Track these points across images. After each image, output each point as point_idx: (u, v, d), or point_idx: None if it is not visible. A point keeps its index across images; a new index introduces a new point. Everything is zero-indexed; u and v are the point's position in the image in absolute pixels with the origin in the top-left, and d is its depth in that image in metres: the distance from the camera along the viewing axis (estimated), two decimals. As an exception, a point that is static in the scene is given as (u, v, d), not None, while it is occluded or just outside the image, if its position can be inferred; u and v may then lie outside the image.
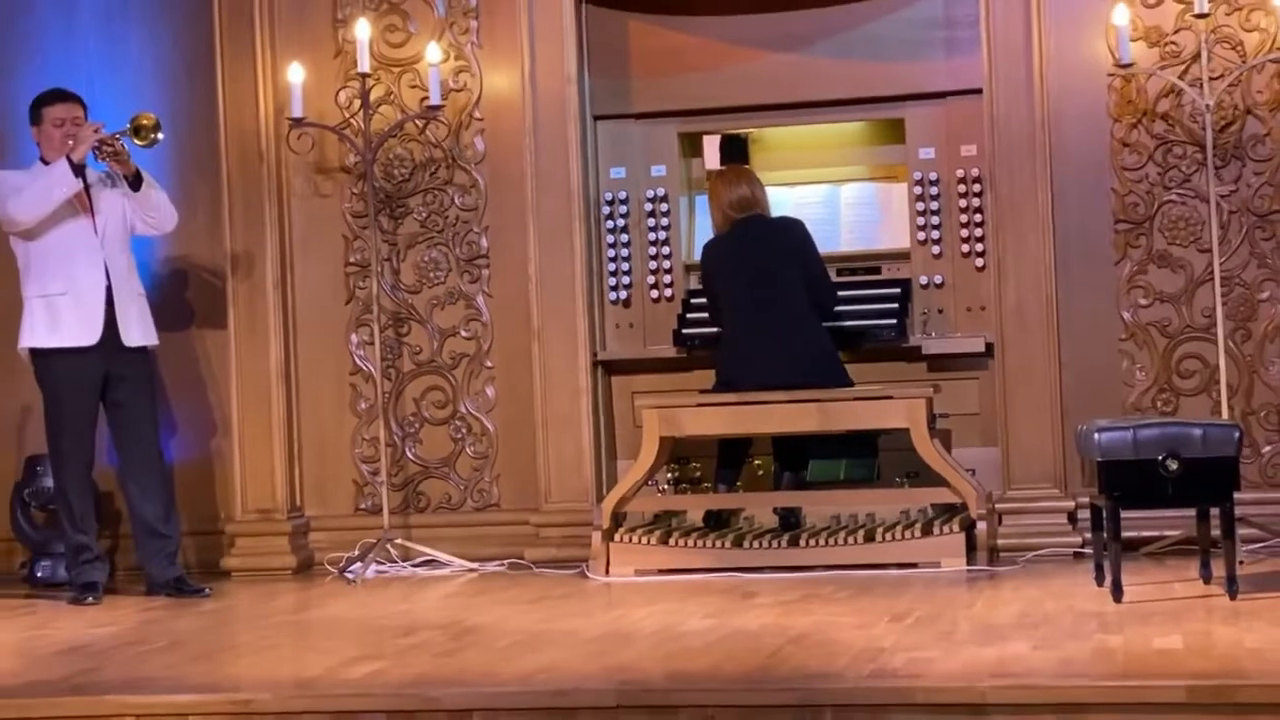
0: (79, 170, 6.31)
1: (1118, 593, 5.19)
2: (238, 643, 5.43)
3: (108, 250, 6.37)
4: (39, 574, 6.88)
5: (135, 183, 6.39)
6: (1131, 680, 4.07)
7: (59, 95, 6.47)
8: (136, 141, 6.37)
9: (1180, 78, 6.38)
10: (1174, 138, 6.46)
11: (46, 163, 6.40)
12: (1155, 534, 6.22)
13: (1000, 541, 6.38)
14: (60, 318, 6.31)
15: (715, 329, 6.70)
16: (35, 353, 6.38)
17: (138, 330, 6.41)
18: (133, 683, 4.60)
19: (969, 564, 6.14)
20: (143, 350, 6.46)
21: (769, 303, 6.48)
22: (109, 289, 6.34)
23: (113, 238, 6.40)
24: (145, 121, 6.35)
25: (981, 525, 6.20)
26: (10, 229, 6.40)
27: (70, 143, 6.33)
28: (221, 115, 6.98)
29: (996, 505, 6.44)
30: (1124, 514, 5.25)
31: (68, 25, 7.17)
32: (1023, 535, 6.40)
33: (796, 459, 6.62)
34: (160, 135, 6.37)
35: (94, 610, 6.13)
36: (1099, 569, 5.52)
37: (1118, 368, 6.51)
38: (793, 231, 6.59)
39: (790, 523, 6.54)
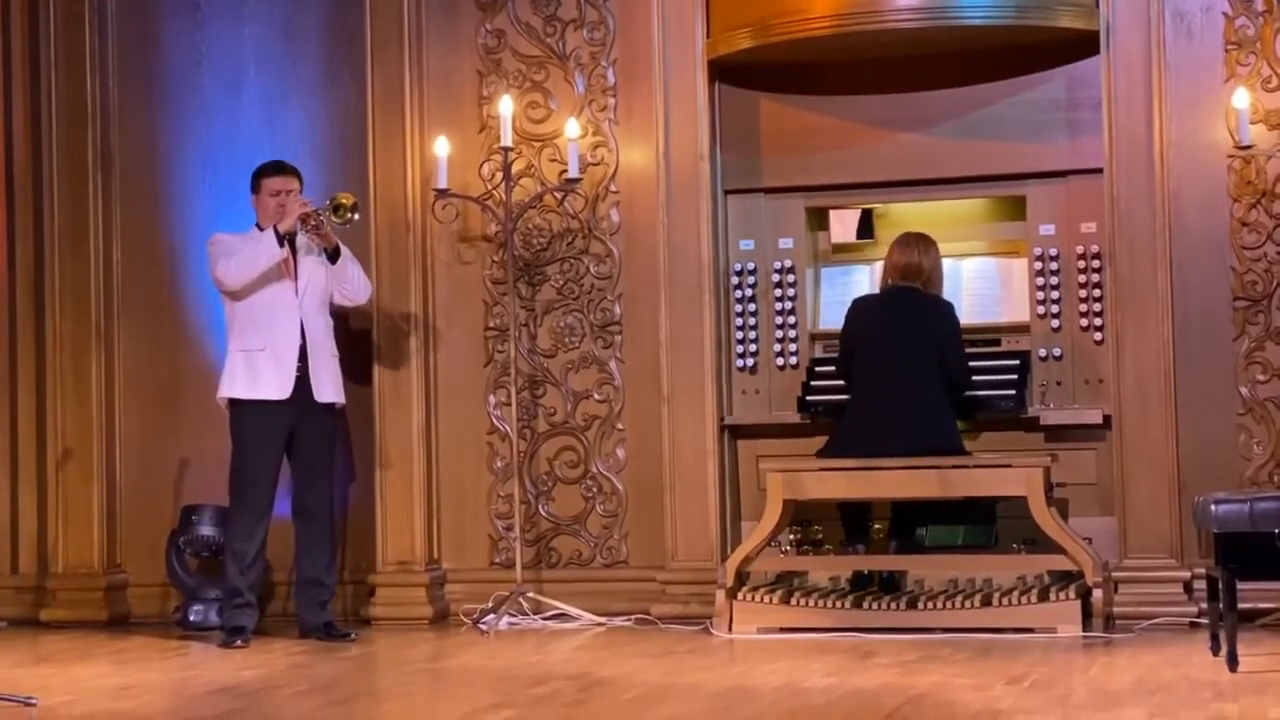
0: (285, 239, 6.53)
1: (1233, 662, 5.23)
2: (376, 689, 5.56)
3: (305, 312, 6.60)
4: (191, 618, 7.03)
5: (334, 255, 6.64)
6: (1245, 748, 4.07)
7: (277, 167, 6.71)
8: (333, 219, 6.57)
9: (1300, 158, 6.43)
10: (1293, 217, 6.52)
11: (262, 229, 6.64)
12: (1271, 605, 6.27)
13: (1116, 609, 6.40)
14: (258, 372, 6.55)
15: (839, 397, 6.76)
16: (232, 402, 6.63)
17: (329, 389, 6.63)
18: (278, 724, 4.73)
19: (1084, 630, 6.18)
20: (330, 406, 6.69)
21: (897, 373, 6.54)
22: (304, 348, 6.57)
23: (311, 301, 6.63)
24: (344, 201, 6.57)
25: (1097, 593, 6.24)
26: (220, 288, 6.66)
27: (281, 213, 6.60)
28: (372, 187, 7.16)
29: (1113, 574, 6.47)
30: (1240, 585, 5.30)
31: (233, 106, 7.43)
32: (1138, 604, 6.44)
33: (905, 527, 6.67)
34: (355, 215, 6.57)
35: (242, 653, 6.30)
36: (1215, 639, 5.54)
37: (1235, 442, 6.54)
38: (939, 312, 6.63)
39: (891, 588, 6.62)
